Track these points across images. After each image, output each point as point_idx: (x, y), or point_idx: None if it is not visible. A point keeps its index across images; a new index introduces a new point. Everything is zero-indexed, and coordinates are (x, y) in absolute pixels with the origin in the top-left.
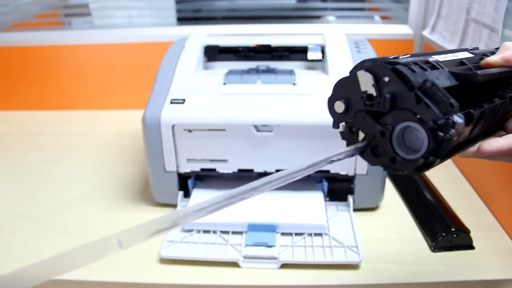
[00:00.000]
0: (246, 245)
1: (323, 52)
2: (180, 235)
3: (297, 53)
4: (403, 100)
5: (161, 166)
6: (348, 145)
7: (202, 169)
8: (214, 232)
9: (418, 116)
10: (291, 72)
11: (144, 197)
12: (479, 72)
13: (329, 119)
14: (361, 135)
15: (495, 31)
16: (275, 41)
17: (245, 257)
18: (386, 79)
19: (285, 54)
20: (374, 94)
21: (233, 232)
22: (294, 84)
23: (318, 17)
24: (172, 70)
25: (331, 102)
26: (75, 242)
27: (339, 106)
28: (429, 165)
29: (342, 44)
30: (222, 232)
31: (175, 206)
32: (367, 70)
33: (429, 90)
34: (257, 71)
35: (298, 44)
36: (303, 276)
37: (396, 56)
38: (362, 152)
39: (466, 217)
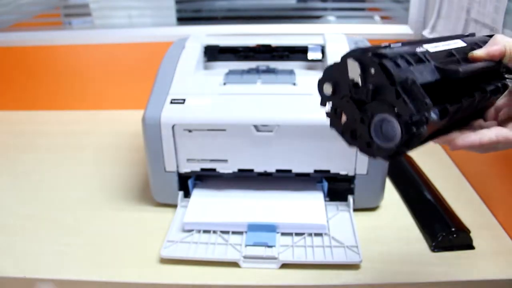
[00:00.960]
0: (246, 245)
1: (323, 52)
2: (180, 235)
3: (297, 53)
4: (385, 92)
5: (161, 166)
6: (331, 124)
7: (202, 169)
8: (214, 232)
9: (396, 110)
10: (291, 72)
11: (144, 197)
12: (460, 69)
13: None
14: (344, 117)
15: (495, 31)
16: (275, 41)
17: (245, 257)
18: (372, 71)
19: (285, 54)
20: (360, 83)
21: (233, 232)
22: (294, 84)
23: (318, 17)
24: (172, 70)
25: (320, 83)
26: (75, 242)
27: (327, 88)
28: (400, 154)
29: (342, 44)
30: (222, 232)
31: (175, 206)
32: (356, 59)
33: (409, 87)
34: (257, 71)
35: (298, 44)
36: (303, 276)
37: (387, 44)
38: (342, 132)
39: (466, 217)
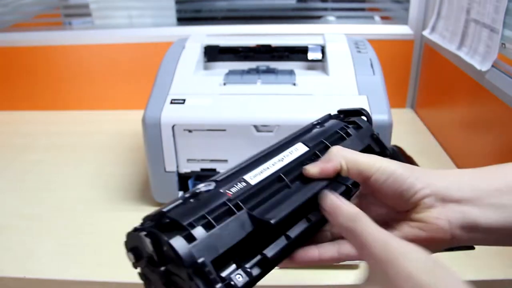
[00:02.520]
0: None
1: (323, 52)
2: None
3: (297, 53)
4: (180, 271)
5: (161, 166)
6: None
7: (202, 169)
8: None
9: None
10: (291, 72)
11: (144, 197)
12: (273, 221)
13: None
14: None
15: (495, 31)
16: (275, 41)
17: None
18: (165, 248)
19: (285, 54)
20: (155, 259)
21: None
22: (294, 84)
23: (318, 17)
24: (172, 70)
25: (125, 246)
26: (75, 242)
27: (130, 257)
28: None
29: (342, 44)
30: None
31: None
32: (146, 235)
33: (199, 269)
34: (257, 71)
35: (298, 44)
36: (302, 276)
37: (195, 191)
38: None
39: None
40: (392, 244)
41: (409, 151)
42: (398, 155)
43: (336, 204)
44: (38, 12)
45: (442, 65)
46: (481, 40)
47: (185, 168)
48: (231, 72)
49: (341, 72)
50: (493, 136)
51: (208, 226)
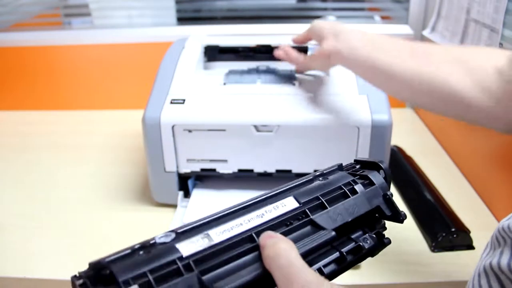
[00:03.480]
0: None
1: None
2: None
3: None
4: None
5: (161, 166)
6: None
7: (202, 169)
8: None
9: None
10: (291, 72)
11: (144, 197)
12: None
13: (329, 119)
14: None
15: (495, 31)
16: (275, 41)
17: None
18: None
19: None
20: None
21: None
22: (294, 84)
23: (318, 17)
24: (172, 70)
25: None
26: (74, 242)
27: None
28: None
29: None
30: None
31: (175, 206)
32: (80, 285)
33: None
34: (257, 71)
35: (298, 44)
36: None
37: (150, 241)
38: None
39: (466, 217)
40: (321, 287)
41: (409, 151)
42: (398, 155)
43: (268, 234)
44: (38, 12)
45: None
46: (481, 40)
47: (185, 168)
48: (231, 72)
49: (341, 72)
50: (493, 135)
51: (146, 287)
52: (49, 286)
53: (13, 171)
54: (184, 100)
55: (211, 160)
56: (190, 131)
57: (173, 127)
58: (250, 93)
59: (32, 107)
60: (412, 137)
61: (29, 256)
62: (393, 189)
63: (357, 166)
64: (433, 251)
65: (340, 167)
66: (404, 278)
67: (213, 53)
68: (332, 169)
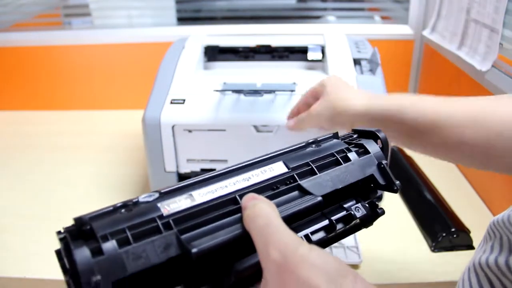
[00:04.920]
0: None
1: (323, 52)
2: None
3: (297, 53)
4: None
5: (161, 166)
6: None
7: (202, 169)
8: None
9: None
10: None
11: None
12: (194, 250)
13: None
14: None
15: (495, 31)
16: (275, 41)
17: None
18: (72, 258)
19: (285, 54)
20: (66, 266)
21: None
22: (294, 84)
23: (318, 17)
24: (172, 70)
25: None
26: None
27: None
28: None
29: (342, 44)
30: None
31: None
32: (61, 239)
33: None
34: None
35: (298, 44)
36: None
37: (134, 200)
38: None
39: (466, 217)
40: (298, 249)
41: (409, 151)
42: (398, 155)
43: (251, 196)
44: (38, 12)
45: (442, 65)
46: (481, 40)
47: (185, 168)
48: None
49: (341, 72)
50: None
51: (123, 242)
52: (49, 286)
53: (13, 171)
54: (184, 100)
55: (211, 160)
56: (190, 131)
57: (173, 127)
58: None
59: (32, 107)
60: None
61: (29, 256)
62: None
63: (354, 136)
64: (433, 251)
65: (335, 135)
66: (404, 278)
67: (213, 53)
68: (326, 136)
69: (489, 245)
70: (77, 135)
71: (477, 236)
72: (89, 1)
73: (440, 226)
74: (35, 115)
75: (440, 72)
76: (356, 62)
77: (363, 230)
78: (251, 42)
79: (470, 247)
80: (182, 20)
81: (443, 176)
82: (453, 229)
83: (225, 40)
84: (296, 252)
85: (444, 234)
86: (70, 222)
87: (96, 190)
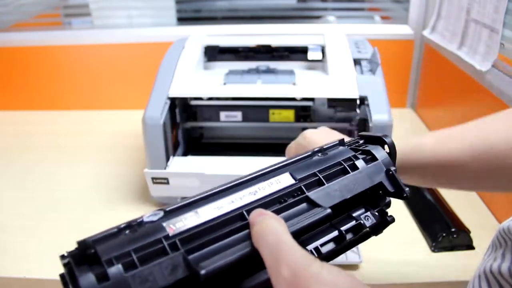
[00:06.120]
0: None
1: (323, 52)
2: None
3: (297, 53)
4: None
5: (161, 167)
6: None
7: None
8: None
9: None
10: (291, 72)
11: (144, 197)
12: (203, 272)
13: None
14: None
15: (495, 31)
16: (275, 41)
17: None
18: (77, 284)
19: (285, 54)
20: None
21: None
22: (294, 83)
23: (318, 17)
24: (172, 70)
25: None
26: (74, 242)
27: None
28: None
29: (342, 44)
30: None
31: None
32: (65, 264)
33: None
34: (257, 71)
35: (298, 44)
36: None
37: (139, 219)
38: None
39: (466, 217)
40: (310, 267)
41: None
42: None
43: (259, 212)
44: (38, 12)
45: (442, 65)
46: (481, 40)
47: None
48: (231, 72)
49: (341, 72)
50: None
51: (129, 266)
52: (49, 286)
53: (14, 171)
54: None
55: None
56: None
57: None
58: (250, 94)
59: (32, 107)
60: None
61: (29, 256)
62: None
63: (361, 141)
64: (433, 251)
65: (341, 142)
66: (404, 278)
67: (213, 53)
68: (332, 144)
69: (500, 253)
70: (77, 135)
71: (477, 236)
72: (89, 1)
73: (440, 226)
74: (35, 115)
75: (440, 72)
76: (356, 62)
77: None
78: (251, 42)
79: (470, 247)
80: (182, 20)
81: None
82: (453, 229)
83: (225, 40)
84: (307, 270)
85: (444, 234)
86: (70, 222)
87: (95, 190)
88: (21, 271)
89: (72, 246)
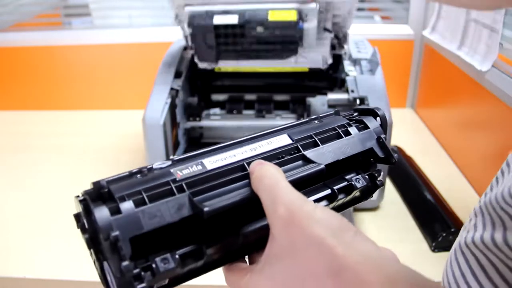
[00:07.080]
0: None
1: None
2: None
3: None
4: (101, 243)
5: None
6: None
7: None
8: None
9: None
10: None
11: None
12: (206, 209)
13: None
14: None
15: (495, 31)
16: None
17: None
18: (92, 216)
19: None
20: (86, 226)
21: None
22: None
23: None
24: (172, 70)
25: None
26: (74, 242)
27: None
28: None
29: None
30: None
31: None
32: (80, 201)
33: (113, 244)
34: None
35: None
36: None
37: (148, 167)
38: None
39: (466, 217)
40: (304, 206)
41: (409, 151)
42: (398, 155)
43: (258, 162)
44: (38, 12)
45: (442, 65)
46: (481, 40)
47: None
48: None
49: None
50: (493, 136)
51: (140, 203)
52: (49, 286)
53: (13, 171)
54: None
55: None
56: None
57: None
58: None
59: (32, 107)
60: (412, 137)
61: (29, 256)
62: (393, 189)
63: (355, 114)
64: (433, 251)
65: (337, 113)
66: None
67: None
68: (328, 113)
69: (472, 224)
70: (77, 135)
71: None
72: (89, 1)
73: (440, 226)
74: (35, 115)
75: (440, 72)
76: (356, 62)
77: (363, 230)
78: None
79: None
80: None
81: (443, 176)
82: (453, 229)
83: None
84: (302, 208)
85: (444, 234)
86: (69, 222)
87: None
88: (21, 271)
89: (72, 246)
